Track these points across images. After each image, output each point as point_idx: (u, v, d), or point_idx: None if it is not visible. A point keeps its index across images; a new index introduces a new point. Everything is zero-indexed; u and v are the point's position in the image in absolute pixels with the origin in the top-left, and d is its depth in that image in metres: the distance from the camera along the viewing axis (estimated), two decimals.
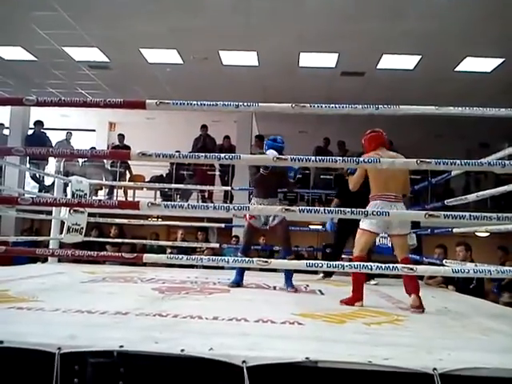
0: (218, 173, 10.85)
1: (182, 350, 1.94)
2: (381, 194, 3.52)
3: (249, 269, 5.72)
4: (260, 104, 2.99)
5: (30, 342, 1.99)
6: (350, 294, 3.52)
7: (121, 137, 11.33)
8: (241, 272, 4.46)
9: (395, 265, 2.62)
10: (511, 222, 2.77)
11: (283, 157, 3.02)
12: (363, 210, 2.90)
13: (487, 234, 7.82)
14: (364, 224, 3.59)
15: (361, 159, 2.97)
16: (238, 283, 4.41)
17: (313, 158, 3.00)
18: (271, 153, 4.06)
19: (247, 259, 2.96)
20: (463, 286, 5.00)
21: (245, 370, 1.84)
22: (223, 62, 8.90)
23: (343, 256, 5.65)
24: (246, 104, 2.93)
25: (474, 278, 4.96)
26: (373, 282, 5.17)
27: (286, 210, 2.98)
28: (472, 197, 4.74)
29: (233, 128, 11.49)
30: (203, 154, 3.10)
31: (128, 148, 9.81)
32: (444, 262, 4.86)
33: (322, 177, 10.71)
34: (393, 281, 5.17)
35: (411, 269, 2.65)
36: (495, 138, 9.62)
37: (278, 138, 4.37)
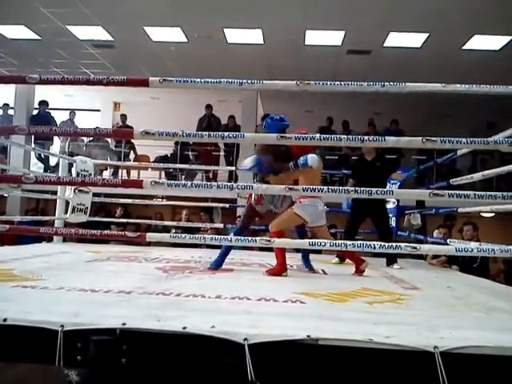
0: (222, 153, 10.83)
1: (184, 328, 1.95)
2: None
3: (251, 248, 5.74)
4: (264, 82, 2.94)
5: (33, 320, 2.00)
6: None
7: (123, 117, 11.35)
8: (224, 255, 4.23)
9: (398, 244, 2.60)
10: None
11: (288, 135, 2.99)
12: (361, 188, 2.85)
13: (492, 214, 7.79)
14: (300, 211, 3.99)
15: (365, 137, 2.94)
16: (217, 267, 4.14)
17: (317, 136, 2.97)
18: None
19: (250, 238, 2.95)
20: (467, 265, 5.00)
21: (246, 348, 1.85)
22: (228, 40, 8.82)
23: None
24: (250, 81, 2.89)
25: (478, 258, 4.96)
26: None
27: (290, 189, 2.96)
28: (478, 176, 4.70)
29: (238, 108, 11.43)
30: (207, 133, 3.07)
31: (130, 128, 9.78)
32: (448, 241, 4.85)
33: (326, 157, 10.65)
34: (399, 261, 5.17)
35: (415, 248, 2.63)
36: (503, 118, 9.51)
37: (284, 117, 4.25)
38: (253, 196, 4.30)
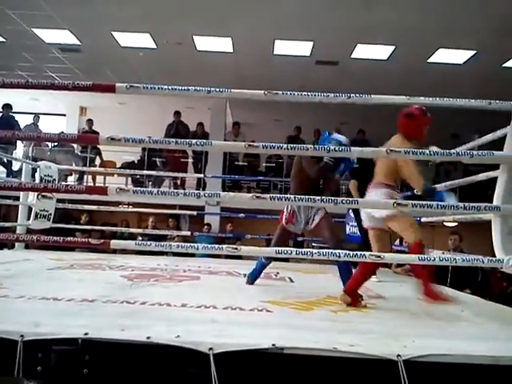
0: (190, 160, 10.77)
1: (149, 338, 1.93)
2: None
3: (219, 256, 5.71)
4: (232, 90, 2.94)
5: None
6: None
7: (89, 122, 11.17)
8: (260, 269, 3.92)
9: (362, 252, 2.63)
10: (478, 212, 2.81)
11: (255, 144, 2.99)
12: (328, 198, 2.81)
13: (455, 223, 7.97)
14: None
15: (332, 147, 2.96)
16: (253, 280, 3.89)
17: (284, 145, 2.98)
18: (343, 138, 3.85)
19: (217, 246, 2.92)
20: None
21: (211, 357, 1.84)
22: (197, 48, 8.82)
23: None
24: (218, 90, 2.88)
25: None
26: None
27: (257, 197, 2.96)
28: (441, 187, 4.81)
29: (207, 115, 11.40)
30: (174, 140, 3.04)
31: (96, 133, 9.64)
32: None
33: None
34: None
35: (379, 256, 2.67)
36: (466, 130, 9.77)
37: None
38: (284, 215, 3.81)
